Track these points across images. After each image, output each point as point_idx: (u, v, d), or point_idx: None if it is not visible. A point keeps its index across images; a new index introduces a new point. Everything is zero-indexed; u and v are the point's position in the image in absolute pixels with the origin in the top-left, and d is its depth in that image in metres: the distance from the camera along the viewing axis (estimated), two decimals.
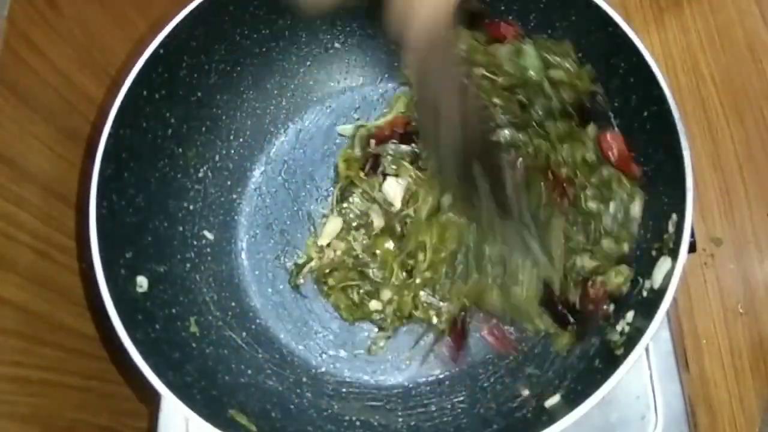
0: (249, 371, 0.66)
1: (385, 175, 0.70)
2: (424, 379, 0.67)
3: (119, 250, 0.60)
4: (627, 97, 0.62)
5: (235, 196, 0.75)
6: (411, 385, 0.67)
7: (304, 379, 0.67)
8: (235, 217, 0.75)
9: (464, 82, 0.47)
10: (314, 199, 0.75)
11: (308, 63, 0.77)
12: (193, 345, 0.64)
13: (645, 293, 0.57)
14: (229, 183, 0.75)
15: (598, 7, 0.60)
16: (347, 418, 0.63)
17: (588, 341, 0.60)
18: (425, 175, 0.68)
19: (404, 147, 0.71)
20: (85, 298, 0.66)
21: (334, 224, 0.71)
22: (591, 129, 0.64)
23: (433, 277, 0.66)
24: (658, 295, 0.54)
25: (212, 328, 0.67)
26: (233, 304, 0.70)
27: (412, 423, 0.63)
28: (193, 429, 0.66)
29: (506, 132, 0.64)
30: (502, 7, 0.68)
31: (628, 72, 0.60)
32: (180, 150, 0.69)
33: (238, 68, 0.72)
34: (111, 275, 0.57)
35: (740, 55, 0.95)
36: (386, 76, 0.79)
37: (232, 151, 0.75)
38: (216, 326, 0.67)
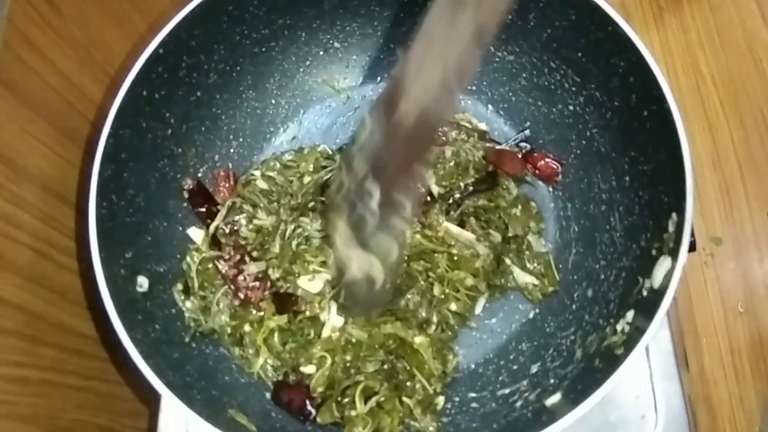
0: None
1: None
2: None
3: (119, 250, 0.60)
4: (627, 97, 0.62)
5: None
6: None
7: None
8: None
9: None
10: None
11: (308, 63, 0.77)
12: (193, 345, 0.64)
13: (645, 293, 0.57)
14: None
15: (597, 7, 0.60)
16: None
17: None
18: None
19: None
20: (85, 298, 0.66)
21: None
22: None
23: None
24: (658, 294, 0.54)
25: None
26: None
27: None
28: (193, 429, 0.66)
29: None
30: None
31: (627, 72, 0.60)
32: (180, 150, 0.69)
33: (238, 68, 0.72)
34: (111, 275, 0.57)
35: (740, 55, 0.94)
36: (386, 75, 0.79)
37: (232, 151, 0.75)
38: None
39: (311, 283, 0.67)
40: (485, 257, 0.68)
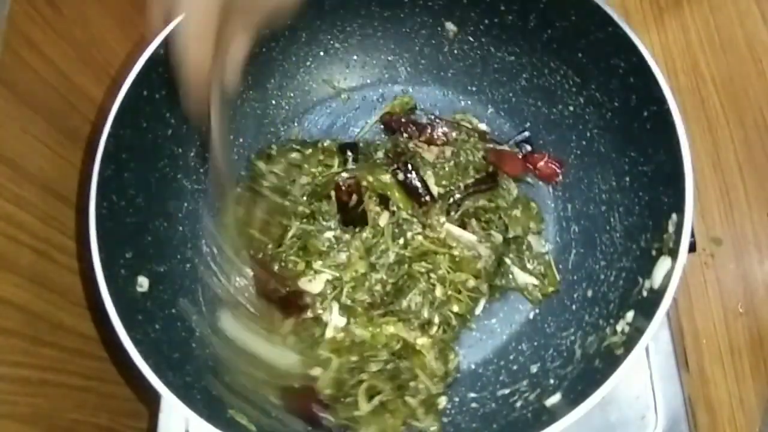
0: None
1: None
2: None
3: (119, 250, 0.60)
4: (627, 97, 0.62)
5: None
6: None
7: None
8: None
9: None
10: None
11: (308, 63, 0.77)
12: (193, 345, 0.64)
13: (645, 293, 0.57)
14: None
15: (597, 7, 0.60)
16: None
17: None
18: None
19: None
20: (85, 298, 0.66)
21: None
22: None
23: None
24: (658, 295, 0.54)
25: (212, 327, 0.67)
26: None
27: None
28: (193, 429, 0.66)
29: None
30: (503, 7, 0.68)
31: (628, 72, 0.60)
32: (180, 150, 0.69)
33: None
34: (111, 275, 0.57)
35: (740, 55, 0.94)
36: (386, 76, 0.79)
37: (233, 152, 0.75)
38: (216, 326, 0.67)
39: (311, 283, 0.66)
40: (487, 258, 0.68)
